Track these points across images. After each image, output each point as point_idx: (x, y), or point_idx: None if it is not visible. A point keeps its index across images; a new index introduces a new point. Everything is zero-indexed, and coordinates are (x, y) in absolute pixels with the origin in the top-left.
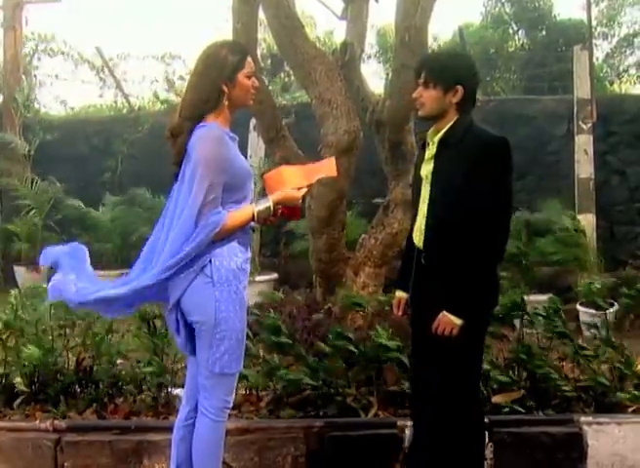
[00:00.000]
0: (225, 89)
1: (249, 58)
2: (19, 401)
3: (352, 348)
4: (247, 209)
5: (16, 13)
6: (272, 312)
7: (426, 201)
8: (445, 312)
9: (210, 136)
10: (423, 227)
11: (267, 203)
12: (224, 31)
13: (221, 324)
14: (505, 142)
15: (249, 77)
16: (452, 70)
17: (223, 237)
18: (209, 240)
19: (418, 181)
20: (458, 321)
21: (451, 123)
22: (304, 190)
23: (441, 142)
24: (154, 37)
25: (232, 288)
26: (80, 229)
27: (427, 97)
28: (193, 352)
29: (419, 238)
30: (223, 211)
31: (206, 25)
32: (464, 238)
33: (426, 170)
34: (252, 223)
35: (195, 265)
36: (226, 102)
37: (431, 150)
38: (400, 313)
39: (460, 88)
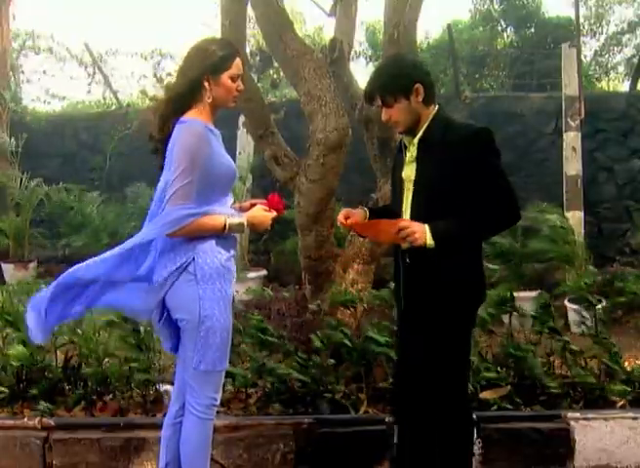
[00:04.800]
0: (207, 85)
1: (237, 61)
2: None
3: (347, 342)
4: (220, 218)
5: (2, 8)
6: (260, 310)
7: (411, 204)
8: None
9: (190, 132)
10: None
11: (242, 219)
12: (214, 28)
13: (206, 321)
14: (489, 131)
15: (234, 79)
16: (401, 77)
17: (191, 236)
18: (166, 232)
19: (398, 184)
20: (430, 241)
21: (428, 122)
22: (274, 214)
23: (421, 142)
24: (143, 34)
25: (216, 285)
26: (67, 227)
27: (397, 113)
28: (177, 349)
29: None
30: (196, 210)
31: (195, 22)
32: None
33: (408, 172)
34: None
35: (179, 263)
36: (209, 100)
37: (412, 152)
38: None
39: (418, 85)
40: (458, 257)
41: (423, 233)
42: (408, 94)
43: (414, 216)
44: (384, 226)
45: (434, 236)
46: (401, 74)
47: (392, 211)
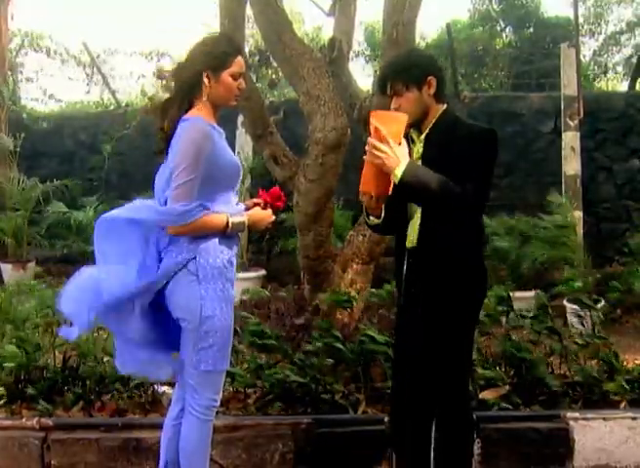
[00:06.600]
0: (207, 81)
1: (239, 58)
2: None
3: (339, 345)
4: (222, 217)
5: (1, 8)
6: (259, 310)
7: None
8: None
9: (194, 129)
10: (417, 228)
11: (243, 218)
12: (213, 28)
13: (207, 322)
14: (495, 134)
15: (235, 77)
16: (416, 66)
17: (194, 235)
18: (168, 230)
19: None
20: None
21: (436, 118)
22: (272, 216)
23: (427, 139)
24: (142, 34)
25: (218, 285)
26: (65, 229)
27: (407, 103)
28: (177, 348)
29: (411, 239)
30: (200, 208)
31: (195, 22)
32: (455, 233)
33: None
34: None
35: (179, 258)
36: (208, 97)
37: (418, 148)
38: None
39: (431, 78)
40: (460, 253)
41: (396, 165)
42: (420, 84)
43: (424, 216)
44: (384, 120)
45: (405, 174)
46: (416, 64)
47: (392, 211)
